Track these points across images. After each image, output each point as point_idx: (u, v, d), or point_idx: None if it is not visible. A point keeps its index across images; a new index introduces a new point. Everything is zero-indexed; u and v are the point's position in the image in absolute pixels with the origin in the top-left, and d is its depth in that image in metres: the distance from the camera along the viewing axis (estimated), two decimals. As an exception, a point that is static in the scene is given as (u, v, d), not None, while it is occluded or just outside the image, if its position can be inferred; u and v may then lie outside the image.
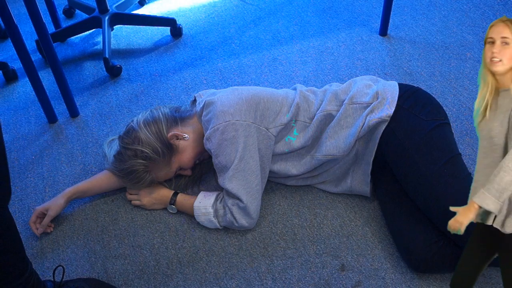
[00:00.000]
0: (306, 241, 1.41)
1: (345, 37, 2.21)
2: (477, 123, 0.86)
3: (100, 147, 1.74)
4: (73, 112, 1.89)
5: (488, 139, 0.84)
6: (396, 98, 1.36)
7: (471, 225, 0.86)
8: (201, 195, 1.45)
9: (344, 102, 1.40)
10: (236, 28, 2.34)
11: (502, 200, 0.80)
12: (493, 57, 0.83)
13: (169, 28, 2.31)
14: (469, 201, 0.84)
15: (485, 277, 1.30)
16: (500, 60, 0.82)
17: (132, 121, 1.47)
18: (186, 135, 1.45)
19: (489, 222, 0.84)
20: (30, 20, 1.64)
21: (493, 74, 0.84)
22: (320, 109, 1.42)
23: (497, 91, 0.85)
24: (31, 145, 1.79)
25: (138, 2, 2.57)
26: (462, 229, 0.83)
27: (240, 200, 1.35)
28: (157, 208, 1.52)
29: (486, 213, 0.85)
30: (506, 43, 0.82)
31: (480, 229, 0.89)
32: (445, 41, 2.14)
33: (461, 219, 0.83)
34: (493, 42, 0.83)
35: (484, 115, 0.84)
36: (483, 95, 0.85)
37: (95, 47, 2.29)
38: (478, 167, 0.85)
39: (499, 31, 0.83)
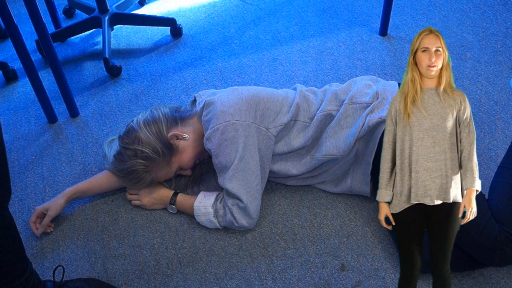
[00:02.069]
0: (306, 241, 1.41)
1: (345, 37, 2.21)
2: (404, 118, 0.99)
3: (100, 147, 1.74)
4: (73, 112, 1.89)
5: (437, 130, 0.98)
6: (396, 98, 1.36)
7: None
8: (201, 195, 1.45)
9: (344, 102, 1.40)
10: (236, 28, 2.34)
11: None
12: (430, 64, 0.97)
13: (169, 28, 2.31)
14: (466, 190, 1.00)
15: (485, 277, 1.30)
16: (435, 66, 0.97)
17: (132, 121, 1.47)
18: (186, 135, 1.45)
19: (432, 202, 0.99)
20: (30, 20, 1.64)
21: (420, 76, 1.00)
22: (320, 109, 1.42)
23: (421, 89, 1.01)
24: (31, 145, 1.79)
25: (138, 2, 2.57)
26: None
27: (240, 200, 1.35)
28: (157, 208, 1.52)
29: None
30: (438, 51, 0.97)
31: (407, 214, 1.02)
32: (445, 41, 2.14)
33: (469, 207, 0.98)
34: (426, 51, 0.97)
35: (409, 112, 0.98)
36: (412, 95, 0.99)
37: (95, 47, 2.29)
38: (427, 156, 0.98)
39: (433, 42, 0.98)
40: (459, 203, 1.00)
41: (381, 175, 1.04)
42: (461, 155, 1.00)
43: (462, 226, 1.03)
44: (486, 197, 1.32)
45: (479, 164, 1.58)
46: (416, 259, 1.02)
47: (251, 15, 2.43)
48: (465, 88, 1.89)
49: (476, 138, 1.67)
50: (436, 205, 0.99)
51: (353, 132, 1.37)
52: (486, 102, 1.83)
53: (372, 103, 1.37)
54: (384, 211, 1.04)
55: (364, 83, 1.44)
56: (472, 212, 0.98)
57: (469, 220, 0.99)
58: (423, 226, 1.02)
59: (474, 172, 0.99)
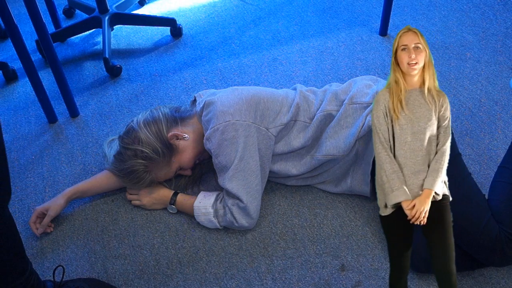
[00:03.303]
0: (306, 241, 1.41)
1: (345, 37, 2.21)
2: (393, 120, 0.97)
3: (100, 147, 1.74)
4: (73, 112, 1.89)
5: (425, 133, 0.96)
6: (396, 98, 1.36)
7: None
8: (201, 195, 1.45)
9: (344, 102, 1.40)
10: (236, 28, 2.34)
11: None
12: (411, 61, 0.94)
13: (169, 28, 2.31)
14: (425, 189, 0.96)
15: (485, 277, 1.30)
16: (417, 63, 0.94)
17: (132, 121, 1.47)
18: (186, 135, 1.45)
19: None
20: (30, 20, 1.63)
21: (404, 77, 0.97)
22: (320, 109, 1.42)
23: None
24: (31, 145, 1.79)
25: (138, 2, 2.57)
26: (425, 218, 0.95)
27: (240, 200, 1.35)
28: (157, 208, 1.52)
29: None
30: (418, 48, 0.94)
31: (395, 216, 0.99)
32: (445, 41, 2.14)
33: (422, 206, 0.94)
34: (405, 49, 0.95)
35: (397, 114, 0.96)
36: (397, 96, 0.96)
37: (95, 47, 2.29)
38: (415, 159, 0.96)
39: (411, 39, 0.95)
40: (447, 199, 0.98)
41: (393, 175, 0.96)
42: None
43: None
44: (486, 197, 1.32)
45: (479, 164, 1.58)
46: (407, 259, 1.02)
47: (251, 15, 2.43)
48: (465, 88, 1.89)
49: (476, 138, 1.67)
50: None
51: (353, 132, 1.37)
52: (486, 102, 1.83)
53: (372, 103, 1.37)
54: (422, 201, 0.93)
55: (364, 83, 1.44)
56: (422, 212, 0.93)
57: (415, 220, 0.94)
58: (412, 227, 1.01)
59: (439, 174, 0.95)
